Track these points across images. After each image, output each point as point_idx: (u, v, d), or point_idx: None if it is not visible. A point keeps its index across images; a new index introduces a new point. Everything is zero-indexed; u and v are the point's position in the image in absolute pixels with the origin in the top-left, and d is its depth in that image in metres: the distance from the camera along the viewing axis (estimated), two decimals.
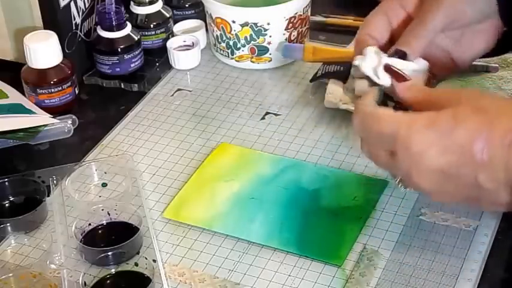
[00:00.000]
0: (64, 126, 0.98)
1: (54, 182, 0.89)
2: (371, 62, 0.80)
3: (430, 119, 0.68)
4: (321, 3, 1.17)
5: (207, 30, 1.12)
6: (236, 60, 1.09)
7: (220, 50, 1.09)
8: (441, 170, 0.68)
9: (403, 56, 0.79)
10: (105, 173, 0.91)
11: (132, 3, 1.11)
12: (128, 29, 1.06)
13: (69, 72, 1.02)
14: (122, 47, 1.06)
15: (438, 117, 0.67)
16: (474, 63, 1.00)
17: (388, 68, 0.77)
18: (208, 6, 1.08)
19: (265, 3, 1.05)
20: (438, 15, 0.79)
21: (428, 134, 0.68)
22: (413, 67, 0.79)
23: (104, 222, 0.84)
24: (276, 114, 1.00)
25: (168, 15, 1.12)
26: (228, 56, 1.09)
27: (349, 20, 1.15)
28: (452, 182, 0.68)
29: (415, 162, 0.68)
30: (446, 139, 0.67)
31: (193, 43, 1.10)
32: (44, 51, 0.99)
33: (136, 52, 1.07)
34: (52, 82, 1.00)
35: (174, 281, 0.78)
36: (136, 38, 1.07)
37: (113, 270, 0.79)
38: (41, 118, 0.98)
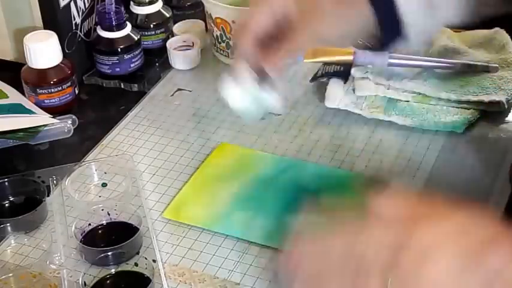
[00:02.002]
0: (64, 126, 0.98)
1: (54, 182, 0.89)
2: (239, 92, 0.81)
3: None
4: None
5: (207, 30, 1.12)
6: None
7: (220, 50, 1.09)
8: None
9: (264, 78, 0.80)
10: (105, 173, 0.91)
11: (132, 3, 1.11)
12: (127, 29, 1.06)
13: (69, 72, 1.02)
14: (121, 47, 1.06)
15: None
16: (474, 63, 1.00)
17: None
18: (208, 6, 1.08)
19: None
20: (304, 39, 0.79)
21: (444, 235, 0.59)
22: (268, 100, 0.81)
23: (104, 222, 0.84)
24: (276, 114, 1.00)
25: (168, 15, 1.12)
26: (228, 56, 1.09)
27: None
28: None
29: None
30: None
31: (193, 43, 1.10)
32: (44, 51, 0.99)
33: (136, 52, 1.07)
34: (52, 82, 1.00)
35: (174, 281, 0.78)
36: (136, 38, 1.07)
37: (113, 270, 0.79)
38: (40, 118, 0.98)
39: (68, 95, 1.02)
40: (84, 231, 0.83)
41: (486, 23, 1.07)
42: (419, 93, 0.97)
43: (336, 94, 0.98)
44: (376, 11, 0.77)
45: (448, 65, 1.00)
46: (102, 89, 1.08)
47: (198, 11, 1.17)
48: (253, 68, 0.80)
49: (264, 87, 0.81)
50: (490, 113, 0.96)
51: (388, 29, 0.78)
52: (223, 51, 1.09)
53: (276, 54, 0.79)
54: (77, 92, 1.04)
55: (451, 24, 0.83)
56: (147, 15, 1.11)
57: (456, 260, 0.57)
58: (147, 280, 0.77)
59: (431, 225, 0.59)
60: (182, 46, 1.10)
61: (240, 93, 0.81)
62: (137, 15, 1.11)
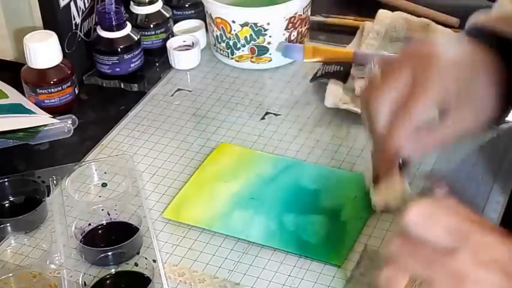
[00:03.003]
0: (64, 126, 0.98)
1: (54, 182, 0.89)
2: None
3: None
4: (321, 3, 1.17)
5: (207, 30, 1.12)
6: (236, 60, 1.09)
7: (220, 50, 1.09)
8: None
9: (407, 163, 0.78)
10: (105, 173, 0.91)
11: (132, 3, 1.11)
12: (127, 29, 1.06)
13: (69, 72, 1.02)
14: (121, 47, 1.06)
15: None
16: None
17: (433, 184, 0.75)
18: (208, 6, 1.08)
19: (265, 3, 1.05)
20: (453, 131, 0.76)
21: (500, 251, 0.62)
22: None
23: (104, 222, 0.84)
24: (276, 114, 1.00)
25: (168, 15, 1.12)
26: (228, 56, 1.09)
27: (349, 20, 1.15)
28: None
29: (481, 263, 0.61)
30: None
31: (193, 43, 1.10)
32: (44, 51, 0.99)
33: (136, 52, 1.07)
34: (52, 82, 1.00)
35: (174, 281, 0.78)
36: (136, 38, 1.07)
37: (113, 271, 0.79)
38: (40, 118, 0.98)
39: (68, 95, 1.02)
40: (84, 231, 0.83)
41: None
42: None
43: (336, 94, 0.98)
44: None
45: None
46: (102, 89, 1.08)
47: (198, 11, 1.17)
48: (401, 158, 0.78)
49: (405, 174, 0.79)
50: None
51: None
52: (223, 51, 1.09)
53: (423, 143, 0.77)
54: (77, 92, 1.04)
55: None
56: (147, 15, 1.11)
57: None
58: (147, 280, 0.77)
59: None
60: (182, 46, 1.10)
61: (392, 195, 0.79)
62: (137, 15, 1.11)
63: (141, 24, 1.11)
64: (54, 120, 0.98)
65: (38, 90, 1.00)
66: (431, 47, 0.77)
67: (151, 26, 1.11)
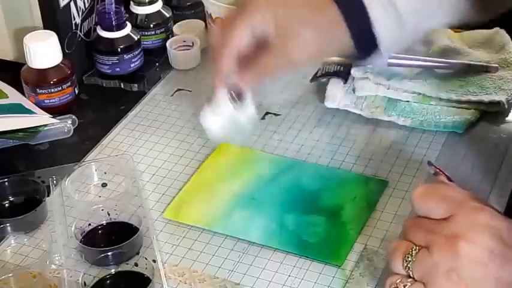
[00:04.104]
0: (64, 126, 0.98)
1: (54, 182, 0.89)
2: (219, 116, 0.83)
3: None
4: None
5: (207, 30, 1.12)
6: None
7: None
8: (490, 249, 0.67)
9: (239, 95, 0.82)
10: (105, 173, 0.91)
11: (132, 3, 1.11)
12: (127, 29, 1.06)
13: (69, 72, 1.02)
14: (121, 47, 1.06)
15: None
16: (474, 63, 1.00)
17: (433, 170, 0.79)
18: (208, 6, 1.08)
19: None
20: (275, 62, 0.80)
21: (493, 218, 0.68)
22: (241, 117, 0.83)
23: (104, 222, 0.84)
24: (276, 114, 1.00)
25: (168, 15, 1.12)
26: None
27: None
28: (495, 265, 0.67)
29: (474, 225, 0.67)
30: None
31: (193, 43, 1.10)
32: (44, 51, 0.99)
33: (136, 52, 1.07)
34: (52, 82, 1.00)
35: (174, 281, 0.78)
36: (136, 38, 1.07)
37: (113, 271, 0.79)
38: (40, 118, 0.98)
39: (67, 95, 1.02)
40: (84, 231, 0.83)
41: (486, 23, 1.07)
42: (419, 93, 0.97)
43: (336, 94, 0.98)
44: (352, 31, 0.78)
45: (448, 65, 1.00)
46: (102, 89, 1.08)
47: (198, 11, 1.17)
48: (230, 86, 0.81)
49: (240, 103, 0.83)
50: (490, 113, 0.96)
51: (363, 46, 0.80)
52: None
53: (250, 74, 0.81)
54: (76, 92, 1.04)
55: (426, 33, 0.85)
56: (147, 15, 1.11)
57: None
58: (147, 280, 0.77)
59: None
60: (182, 46, 1.10)
61: (220, 122, 0.84)
62: (137, 15, 1.11)
63: (141, 24, 1.11)
64: (54, 120, 0.98)
65: (38, 90, 1.00)
66: None
67: (151, 26, 1.11)
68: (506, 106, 0.96)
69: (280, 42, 0.78)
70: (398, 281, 0.69)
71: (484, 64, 1.00)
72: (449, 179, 0.77)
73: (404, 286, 0.68)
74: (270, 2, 0.79)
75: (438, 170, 0.78)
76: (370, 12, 0.78)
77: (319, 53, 0.80)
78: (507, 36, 1.05)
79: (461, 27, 0.91)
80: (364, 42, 0.79)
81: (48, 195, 0.87)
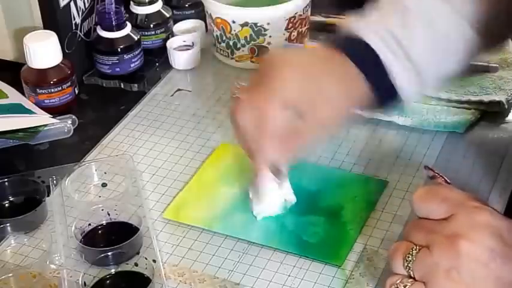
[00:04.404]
0: (64, 126, 0.98)
1: (54, 182, 0.89)
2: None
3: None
4: (321, 3, 1.17)
5: (207, 30, 1.12)
6: (236, 60, 1.09)
7: (220, 50, 1.09)
8: (491, 248, 0.67)
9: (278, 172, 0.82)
10: (105, 173, 0.91)
11: (132, 3, 1.11)
12: (127, 29, 1.06)
13: (69, 72, 1.02)
14: (121, 47, 1.06)
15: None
16: (474, 63, 1.00)
17: (430, 174, 0.79)
18: (208, 6, 1.08)
19: (265, 3, 1.05)
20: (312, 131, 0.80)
21: (493, 217, 0.69)
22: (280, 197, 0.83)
23: (104, 222, 0.84)
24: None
25: (168, 15, 1.12)
26: (228, 56, 1.09)
27: None
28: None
29: (475, 224, 0.68)
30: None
31: (193, 43, 1.10)
32: (44, 51, 0.99)
33: (136, 52, 1.07)
34: (52, 82, 1.00)
35: (174, 281, 0.78)
36: (136, 38, 1.07)
37: (113, 271, 0.79)
38: (40, 118, 0.98)
39: (67, 95, 1.02)
40: (84, 231, 0.83)
41: None
42: None
43: None
44: (373, 84, 0.79)
45: None
46: (102, 89, 1.08)
47: (198, 11, 1.17)
48: (272, 167, 0.81)
49: (281, 178, 0.82)
50: (490, 113, 0.96)
51: (384, 99, 0.81)
52: (223, 51, 1.09)
53: (287, 149, 0.80)
54: (76, 92, 1.04)
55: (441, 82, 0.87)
56: (147, 15, 1.11)
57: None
58: (147, 280, 0.77)
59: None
60: (182, 46, 1.10)
61: (270, 204, 0.83)
62: (137, 15, 1.11)
63: (141, 24, 1.11)
64: (54, 120, 0.98)
65: (38, 90, 1.00)
66: (277, 55, 0.82)
67: (151, 26, 1.11)
68: (506, 106, 0.96)
69: (310, 109, 0.78)
70: (398, 281, 0.69)
71: (484, 64, 1.00)
72: (447, 182, 0.77)
73: (405, 286, 0.69)
74: (292, 72, 0.78)
75: (435, 174, 0.78)
76: (388, 68, 0.79)
77: (345, 110, 0.81)
78: None
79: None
80: (384, 91, 0.80)
81: (48, 195, 0.87)
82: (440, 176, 0.77)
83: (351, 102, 0.80)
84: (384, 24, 0.80)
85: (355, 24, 0.81)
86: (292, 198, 0.84)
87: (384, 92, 0.80)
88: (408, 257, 0.69)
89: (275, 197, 0.83)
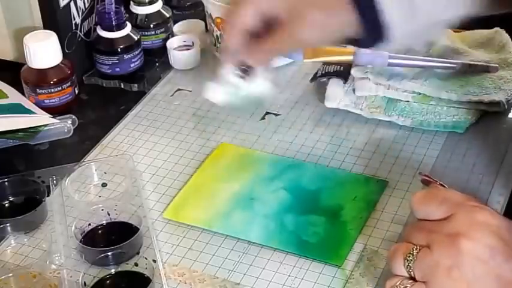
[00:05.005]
0: (64, 126, 0.98)
1: (54, 182, 0.89)
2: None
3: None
4: None
5: (207, 30, 1.12)
6: None
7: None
8: (491, 247, 0.67)
9: (246, 72, 0.82)
10: (105, 173, 0.91)
11: (132, 3, 1.11)
12: (127, 29, 1.06)
13: (69, 72, 1.02)
14: (121, 47, 1.06)
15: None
16: (474, 63, 1.00)
17: (424, 180, 0.79)
18: (208, 6, 1.08)
19: None
20: (285, 41, 0.79)
21: (492, 216, 0.69)
22: (255, 91, 0.82)
23: (104, 222, 0.84)
24: (276, 114, 1.00)
25: (168, 15, 1.12)
26: None
27: None
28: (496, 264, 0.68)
29: (475, 223, 0.68)
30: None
31: (193, 43, 1.10)
32: (44, 51, 0.99)
33: (136, 52, 1.07)
34: (52, 82, 1.00)
35: (174, 281, 0.78)
36: (136, 38, 1.07)
37: (113, 271, 0.79)
38: (40, 118, 0.98)
39: (67, 95, 1.02)
40: (84, 231, 0.83)
41: (486, 23, 1.07)
42: (419, 93, 0.97)
43: (336, 94, 0.98)
44: (361, 15, 0.76)
45: (448, 65, 1.00)
46: (102, 89, 1.08)
47: (198, 11, 1.17)
48: (239, 64, 0.81)
49: (250, 80, 0.82)
50: (490, 113, 0.96)
51: (371, 33, 0.77)
52: None
53: (259, 52, 0.80)
54: (76, 92, 1.04)
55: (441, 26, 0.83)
56: (147, 15, 1.11)
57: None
58: (147, 280, 0.77)
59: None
60: (182, 46, 1.10)
61: (225, 90, 0.83)
62: (137, 15, 1.11)
63: (141, 24, 1.11)
64: (54, 120, 0.98)
65: (38, 90, 1.00)
66: None
67: (151, 26, 1.11)
68: (506, 106, 0.96)
69: (289, 22, 0.77)
70: (398, 282, 0.69)
71: (484, 64, 1.00)
72: (443, 186, 0.77)
73: (405, 287, 0.69)
74: None
75: (430, 180, 0.78)
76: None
77: (327, 34, 0.79)
78: (507, 36, 1.05)
79: (472, 21, 0.89)
80: (373, 27, 0.77)
81: (48, 195, 0.87)
82: (435, 181, 0.77)
83: (335, 29, 0.78)
84: None
85: None
86: (264, 94, 0.83)
87: (371, 23, 0.76)
88: (409, 257, 0.69)
89: (230, 85, 0.83)
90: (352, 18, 0.76)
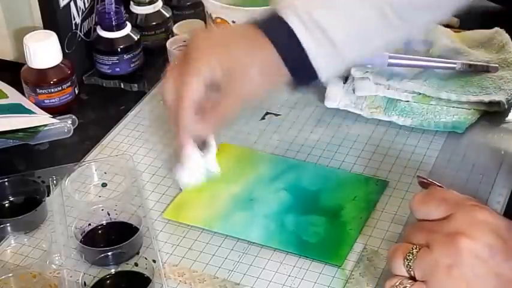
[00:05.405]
0: (64, 126, 0.98)
1: (54, 182, 0.89)
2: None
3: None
4: None
5: None
6: None
7: None
8: (491, 246, 0.68)
9: (203, 142, 0.86)
10: (105, 173, 0.91)
11: (132, 3, 1.11)
12: (127, 29, 1.06)
13: (69, 72, 1.02)
14: (121, 47, 1.06)
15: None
16: (474, 63, 1.00)
17: (422, 183, 0.79)
18: (208, 6, 1.08)
19: (265, 3, 1.05)
20: (230, 104, 0.84)
21: (492, 215, 0.69)
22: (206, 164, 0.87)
23: (104, 222, 0.84)
24: (276, 114, 1.00)
25: (168, 15, 1.12)
26: None
27: None
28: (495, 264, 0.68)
29: (474, 222, 0.69)
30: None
31: None
32: (44, 51, 1.00)
33: (136, 52, 1.07)
34: (52, 82, 1.00)
35: (174, 281, 0.78)
36: (136, 38, 1.07)
37: (113, 271, 0.79)
38: (40, 118, 0.98)
39: (67, 95, 1.02)
40: (84, 231, 0.83)
41: (486, 23, 1.07)
42: (419, 93, 0.97)
43: (336, 94, 0.98)
44: (288, 64, 0.82)
45: (448, 65, 1.00)
46: (102, 89, 1.08)
47: (198, 11, 1.17)
48: (195, 137, 0.85)
49: (206, 149, 0.87)
50: (490, 113, 0.96)
51: (301, 77, 0.84)
52: None
53: (210, 120, 0.84)
54: (76, 92, 1.04)
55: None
56: (147, 15, 1.11)
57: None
58: (147, 280, 0.77)
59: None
60: (182, 46, 1.10)
61: (192, 173, 0.87)
62: (137, 15, 1.11)
63: (141, 24, 1.11)
64: (54, 120, 0.98)
65: (38, 90, 1.00)
66: (201, 33, 0.86)
67: (151, 26, 1.11)
68: (506, 106, 0.96)
69: (229, 84, 0.82)
70: (398, 282, 0.69)
71: (484, 64, 1.00)
72: (441, 187, 0.77)
73: (405, 287, 0.69)
74: (212, 49, 0.83)
75: (428, 182, 0.78)
76: (304, 44, 0.81)
77: (265, 87, 0.85)
78: (507, 36, 1.05)
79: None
80: (302, 72, 0.83)
81: (48, 195, 0.87)
82: (434, 182, 0.77)
83: (272, 81, 0.84)
84: (307, 6, 0.82)
85: (281, 4, 0.84)
86: (216, 169, 0.87)
87: (300, 70, 0.83)
88: (409, 256, 0.69)
89: (196, 166, 0.86)
90: (283, 67, 0.82)
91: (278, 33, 0.82)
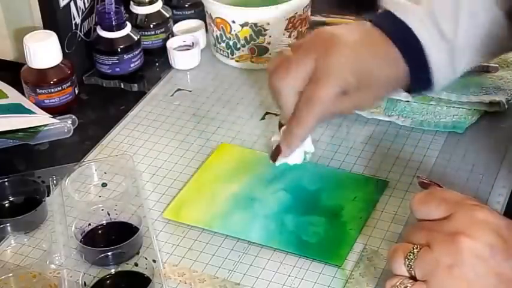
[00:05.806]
0: (64, 126, 0.98)
1: (54, 182, 0.89)
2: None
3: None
4: (321, 3, 1.17)
5: (207, 30, 1.12)
6: (236, 61, 1.09)
7: (220, 50, 1.09)
8: (491, 245, 0.68)
9: None
10: (105, 173, 0.91)
11: (132, 3, 1.11)
12: (127, 29, 1.06)
13: (69, 72, 1.02)
14: (121, 47, 1.06)
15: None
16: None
17: (422, 183, 0.80)
18: (208, 6, 1.08)
19: (265, 3, 1.05)
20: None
21: (492, 215, 0.70)
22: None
23: (104, 222, 0.84)
24: (276, 114, 1.00)
25: (168, 15, 1.12)
26: (228, 56, 1.09)
27: (349, 20, 1.15)
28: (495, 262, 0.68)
29: (474, 222, 0.69)
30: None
31: (193, 43, 1.10)
32: (44, 51, 0.99)
33: (136, 52, 1.07)
34: (52, 82, 1.00)
35: (174, 281, 0.78)
36: (136, 38, 1.07)
37: (113, 271, 0.79)
38: (40, 118, 0.98)
39: (67, 95, 1.02)
40: (84, 231, 0.83)
41: None
42: None
43: None
44: (413, 81, 0.84)
45: None
46: (102, 89, 1.08)
47: (198, 11, 1.17)
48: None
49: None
50: (490, 113, 0.96)
51: (420, 83, 0.85)
52: (223, 51, 1.09)
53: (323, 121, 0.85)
54: (76, 92, 1.04)
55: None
56: (147, 15, 1.11)
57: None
58: (147, 280, 0.77)
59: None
60: (182, 46, 1.10)
61: (297, 155, 0.87)
62: (137, 15, 1.11)
63: (141, 24, 1.11)
64: (54, 120, 0.98)
65: (38, 90, 1.00)
66: (332, 33, 0.83)
67: (151, 26, 1.11)
68: (506, 106, 0.96)
69: (355, 93, 0.82)
70: (398, 282, 0.69)
71: (484, 64, 1.00)
72: (440, 187, 0.78)
73: (405, 287, 0.69)
74: (349, 52, 0.81)
75: (428, 182, 0.78)
76: (431, 64, 0.83)
77: (384, 98, 0.90)
78: None
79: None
80: (422, 85, 0.85)
81: (48, 195, 0.87)
82: (434, 183, 0.77)
83: (394, 86, 0.85)
84: (431, 14, 0.83)
85: (403, 8, 0.84)
86: (311, 149, 0.87)
87: (420, 78, 0.84)
88: (409, 256, 0.69)
89: (301, 148, 0.86)
90: (406, 76, 0.83)
91: (411, 51, 0.82)
